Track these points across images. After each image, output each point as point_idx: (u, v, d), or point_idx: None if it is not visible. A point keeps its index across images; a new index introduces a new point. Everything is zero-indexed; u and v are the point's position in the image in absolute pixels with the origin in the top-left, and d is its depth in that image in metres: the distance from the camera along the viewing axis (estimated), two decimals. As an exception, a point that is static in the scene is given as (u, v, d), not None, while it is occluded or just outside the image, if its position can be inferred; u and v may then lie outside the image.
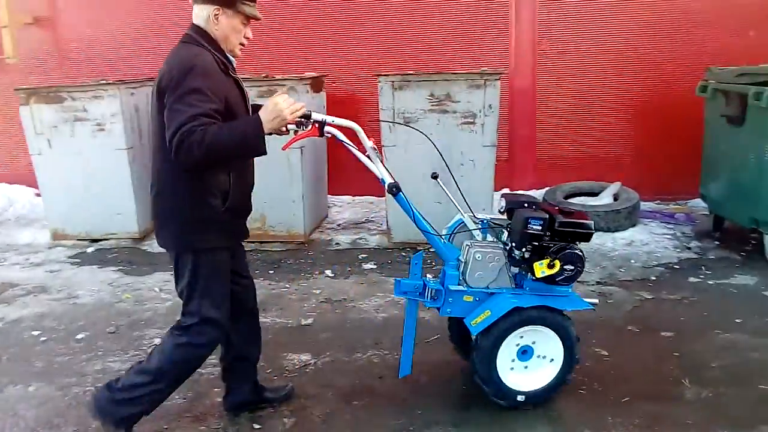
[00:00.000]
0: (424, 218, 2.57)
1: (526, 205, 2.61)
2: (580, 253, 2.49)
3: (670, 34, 5.76)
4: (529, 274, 2.54)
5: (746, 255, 4.52)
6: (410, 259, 2.65)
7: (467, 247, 2.60)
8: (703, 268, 4.31)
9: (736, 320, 3.48)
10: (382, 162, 2.55)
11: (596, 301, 2.80)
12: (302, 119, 2.31)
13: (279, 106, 2.15)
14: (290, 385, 2.82)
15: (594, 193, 5.46)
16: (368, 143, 2.51)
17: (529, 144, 6.08)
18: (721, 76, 4.77)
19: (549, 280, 2.48)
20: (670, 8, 5.72)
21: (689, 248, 4.69)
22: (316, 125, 2.37)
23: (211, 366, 2.80)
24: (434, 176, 2.72)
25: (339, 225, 5.49)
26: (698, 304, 3.73)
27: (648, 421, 2.58)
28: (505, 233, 2.63)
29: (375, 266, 4.53)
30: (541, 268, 2.45)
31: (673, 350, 3.16)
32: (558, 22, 5.87)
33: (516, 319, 2.52)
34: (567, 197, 5.44)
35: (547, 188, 5.70)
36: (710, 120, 4.94)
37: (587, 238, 2.56)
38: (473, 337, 2.63)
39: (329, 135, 2.40)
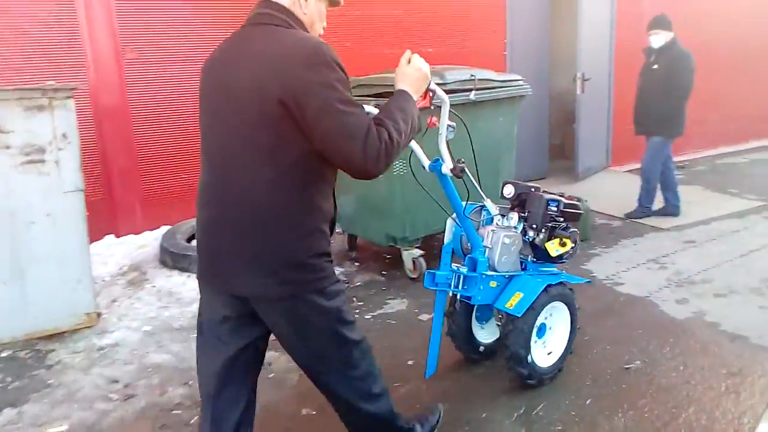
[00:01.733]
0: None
1: (533, 189, 2.74)
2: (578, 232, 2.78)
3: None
4: (531, 255, 2.77)
5: (387, 273, 4.33)
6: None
7: (492, 233, 2.63)
8: (354, 299, 3.90)
9: (408, 362, 3.09)
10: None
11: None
12: None
13: (424, 69, 1.82)
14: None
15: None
16: (447, 120, 2.32)
17: (130, 178, 4.82)
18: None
19: (556, 258, 2.68)
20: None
21: (335, 278, 4.27)
22: (429, 94, 2.00)
23: None
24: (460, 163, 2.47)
25: None
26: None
27: None
28: (515, 217, 2.71)
29: None
30: (554, 248, 2.62)
31: None
32: (142, 27, 4.75)
33: (545, 296, 2.65)
34: (190, 239, 4.44)
35: (166, 229, 4.61)
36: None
37: (579, 218, 2.83)
38: (504, 323, 2.71)
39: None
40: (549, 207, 2.68)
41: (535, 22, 6.82)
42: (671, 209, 5.58)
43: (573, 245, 2.70)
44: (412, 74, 1.80)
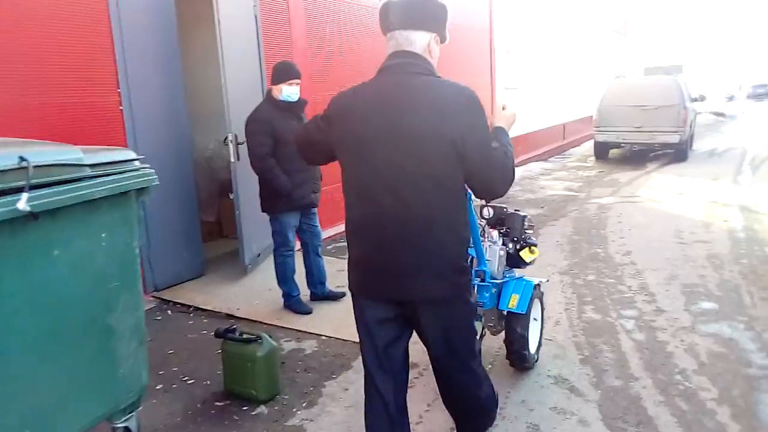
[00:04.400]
0: None
1: (505, 209, 3.34)
2: None
3: None
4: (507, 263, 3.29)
5: None
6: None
7: (489, 248, 3.17)
8: None
9: None
10: None
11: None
12: None
13: (516, 112, 2.22)
14: None
15: None
16: None
17: None
18: None
19: (528, 263, 3.28)
20: None
21: None
22: None
23: None
24: None
25: None
26: None
27: None
28: (495, 233, 3.23)
29: None
30: (527, 255, 3.22)
31: None
32: None
33: (533, 295, 3.26)
34: None
35: None
36: None
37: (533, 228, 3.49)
38: (507, 320, 3.25)
39: None
40: (525, 222, 3.30)
41: (159, 62, 4.91)
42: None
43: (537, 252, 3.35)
44: (510, 117, 2.18)
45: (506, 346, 3.28)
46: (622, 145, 12.90)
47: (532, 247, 3.28)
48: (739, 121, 22.57)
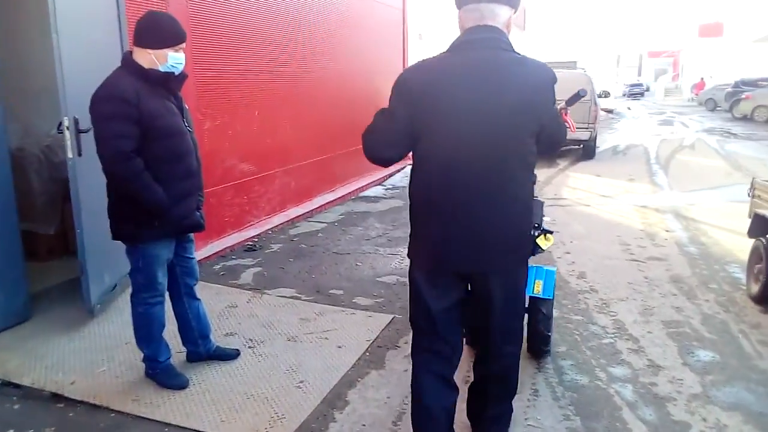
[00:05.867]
0: None
1: None
2: None
3: None
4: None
5: None
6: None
7: None
8: None
9: None
10: None
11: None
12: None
13: None
14: None
15: None
16: None
17: None
18: None
19: (541, 250, 2.99)
20: None
21: None
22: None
23: None
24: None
25: None
26: None
27: None
28: None
29: None
30: (543, 242, 2.98)
31: None
32: None
33: (555, 281, 3.31)
34: None
35: None
36: None
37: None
38: (529, 307, 3.16)
39: None
40: (542, 209, 3.17)
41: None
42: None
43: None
44: None
45: (529, 330, 3.23)
46: (534, 140, 12.33)
47: (548, 235, 3.21)
48: (628, 118, 23.27)
